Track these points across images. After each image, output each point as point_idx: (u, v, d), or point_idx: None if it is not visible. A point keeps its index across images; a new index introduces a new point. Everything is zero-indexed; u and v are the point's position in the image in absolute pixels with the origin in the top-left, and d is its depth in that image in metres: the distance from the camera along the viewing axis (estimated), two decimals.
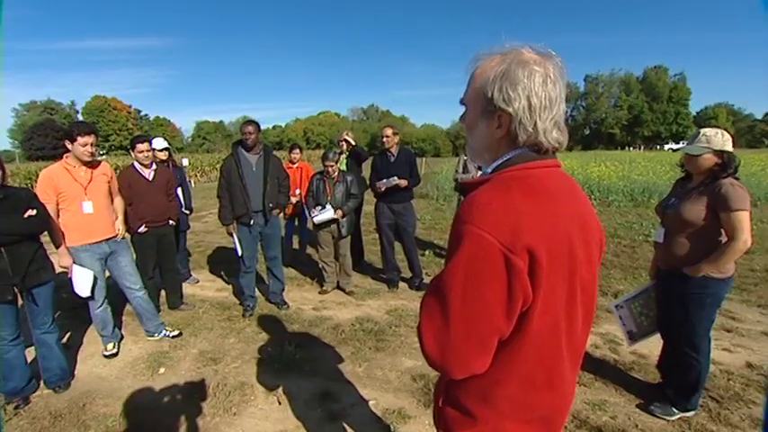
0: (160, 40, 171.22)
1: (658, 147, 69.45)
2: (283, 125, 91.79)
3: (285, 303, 4.15)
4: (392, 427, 2.39)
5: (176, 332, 3.59)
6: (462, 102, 0.94)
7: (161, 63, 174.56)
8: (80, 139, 2.85)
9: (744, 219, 2.09)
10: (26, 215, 2.51)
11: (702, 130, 2.26)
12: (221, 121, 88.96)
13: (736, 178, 2.20)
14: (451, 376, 0.84)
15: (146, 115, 79.33)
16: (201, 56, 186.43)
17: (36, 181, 3.05)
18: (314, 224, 4.31)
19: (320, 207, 4.24)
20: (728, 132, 2.24)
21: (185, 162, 15.78)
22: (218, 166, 23.43)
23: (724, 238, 2.20)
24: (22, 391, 2.66)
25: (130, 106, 74.51)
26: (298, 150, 5.62)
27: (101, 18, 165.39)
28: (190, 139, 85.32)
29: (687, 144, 2.32)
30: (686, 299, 2.31)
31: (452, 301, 0.77)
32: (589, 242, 0.87)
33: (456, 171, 5.41)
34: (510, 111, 0.81)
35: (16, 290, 2.50)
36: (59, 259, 2.89)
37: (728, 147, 2.19)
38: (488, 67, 0.85)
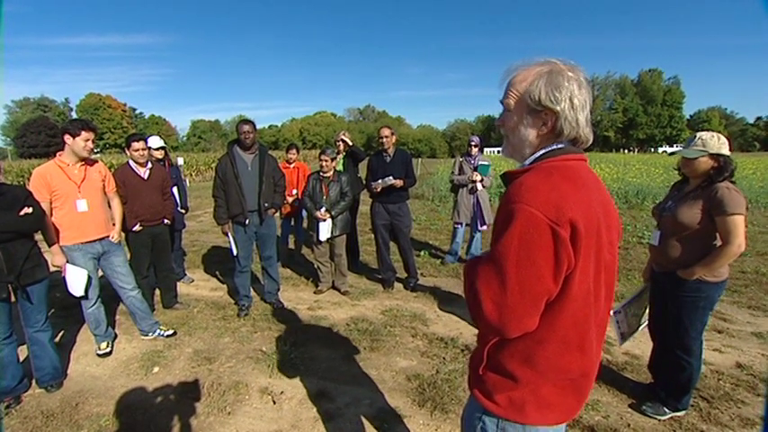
0: (156, 37, 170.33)
1: (652, 149, 70.06)
2: (279, 125, 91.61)
3: (280, 303, 4.15)
4: (386, 427, 2.40)
5: (171, 331, 3.57)
6: (503, 103, 1.06)
7: (157, 61, 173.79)
8: (83, 134, 2.85)
9: (739, 223, 2.09)
10: (22, 213, 2.49)
11: (699, 134, 2.26)
12: (217, 120, 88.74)
13: (733, 182, 2.20)
14: (507, 335, 0.96)
15: (141, 113, 78.89)
16: (197, 54, 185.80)
17: (28, 179, 3.03)
18: (318, 240, 4.35)
19: (319, 211, 4.26)
20: (725, 136, 2.23)
21: (180, 161, 15.67)
22: (213, 165, 23.35)
23: (719, 242, 2.20)
24: (14, 390, 2.64)
25: (125, 104, 74.07)
26: (294, 150, 5.61)
27: (95, 14, 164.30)
28: (185, 138, 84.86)
29: (683, 147, 2.32)
30: (679, 301, 2.32)
31: (509, 268, 0.89)
32: (611, 227, 1.00)
33: (452, 172, 5.43)
34: (557, 109, 0.96)
35: (10, 288, 2.48)
36: (52, 258, 2.87)
37: (725, 150, 2.18)
38: (530, 74, 0.99)
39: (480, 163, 5.11)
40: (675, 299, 2.34)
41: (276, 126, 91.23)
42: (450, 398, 2.62)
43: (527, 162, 1.03)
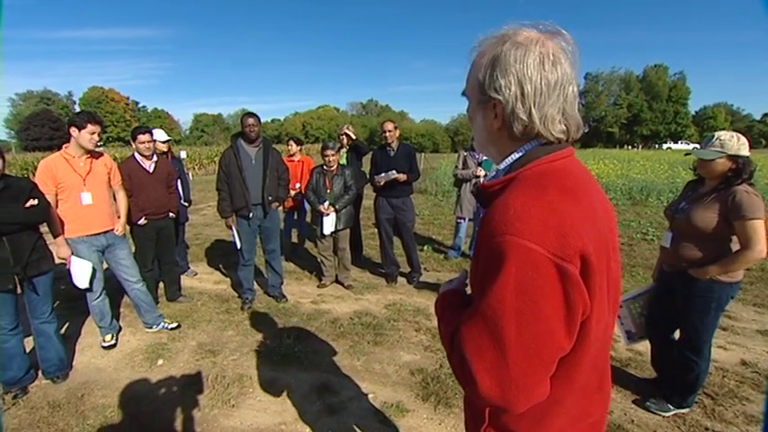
0: (159, 30, 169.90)
1: (657, 146, 69.64)
2: (282, 119, 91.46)
3: (284, 297, 4.16)
4: (390, 421, 2.40)
5: (175, 324, 3.59)
6: (464, 93, 0.87)
7: (159, 54, 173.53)
8: (89, 127, 2.85)
9: (759, 228, 2.00)
10: (27, 205, 2.50)
11: (717, 134, 2.15)
12: (219, 114, 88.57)
13: (751, 184, 2.11)
14: (514, 412, 0.73)
15: (143, 107, 78.89)
16: (200, 48, 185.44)
17: (32, 172, 3.03)
18: (322, 234, 4.34)
19: (322, 205, 4.24)
20: (744, 135, 2.13)
21: (183, 154, 15.68)
22: (216, 158, 23.33)
23: (735, 245, 2.12)
24: (20, 380, 2.66)
25: (128, 98, 73.98)
26: (291, 142, 5.56)
27: (98, 7, 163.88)
28: (188, 132, 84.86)
29: (700, 147, 2.22)
30: (690, 301, 2.27)
31: (506, 328, 0.66)
32: (612, 229, 0.80)
33: (455, 167, 5.41)
34: (501, 99, 0.75)
35: (17, 279, 2.49)
36: (58, 250, 2.87)
37: (744, 151, 2.08)
38: (484, 52, 0.78)
39: (484, 158, 5.08)
40: (686, 299, 2.29)
41: (279, 120, 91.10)
42: (453, 392, 2.62)
43: (502, 166, 0.81)
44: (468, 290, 0.90)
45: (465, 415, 0.99)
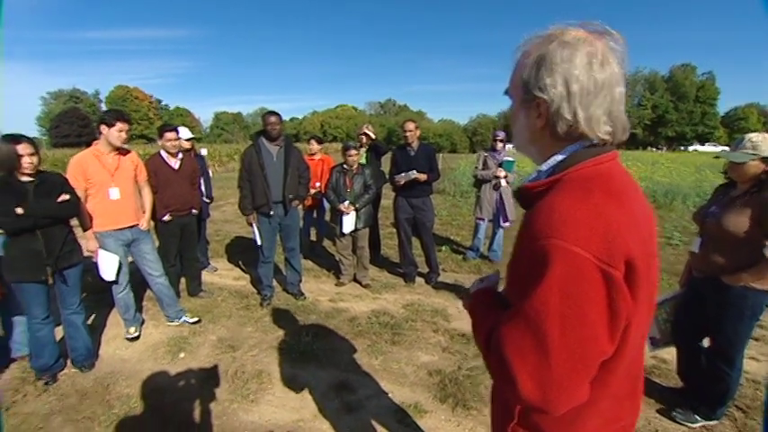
0: (180, 30, 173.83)
1: (682, 148, 67.55)
2: (301, 117, 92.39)
3: (302, 294, 4.19)
4: (408, 421, 2.40)
5: (196, 319, 3.66)
6: (506, 92, 0.87)
7: (180, 54, 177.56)
8: (118, 125, 2.95)
9: None
10: (60, 200, 2.59)
11: (748, 136, 2.11)
12: (239, 113, 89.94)
13: None
14: (554, 414, 0.72)
15: (166, 105, 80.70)
16: (221, 47, 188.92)
17: (62, 168, 3.14)
18: (342, 233, 4.36)
19: (342, 204, 4.26)
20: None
21: (204, 151, 16.00)
22: (235, 156, 23.73)
23: None
24: (51, 368, 2.76)
25: (152, 96, 75.79)
26: (313, 141, 5.61)
27: (123, 7, 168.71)
28: (208, 130, 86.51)
29: (731, 150, 2.17)
30: (723, 309, 2.20)
31: (550, 331, 0.66)
32: (652, 234, 0.80)
33: (475, 167, 5.35)
34: (546, 98, 0.75)
35: (48, 271, 2.58)
36: (87, 243, 2.97)
37: None
38: (529, 51, 0.78)
39: (505, 159, 5.01)
40: (718, 306, 2.22)
41: (297, 119, 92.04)
42: (471, 394, 2.60)
43: (544, 167, 0.80)
44: (500, 288, 0.90)
45: (491, 411, 0.99)
